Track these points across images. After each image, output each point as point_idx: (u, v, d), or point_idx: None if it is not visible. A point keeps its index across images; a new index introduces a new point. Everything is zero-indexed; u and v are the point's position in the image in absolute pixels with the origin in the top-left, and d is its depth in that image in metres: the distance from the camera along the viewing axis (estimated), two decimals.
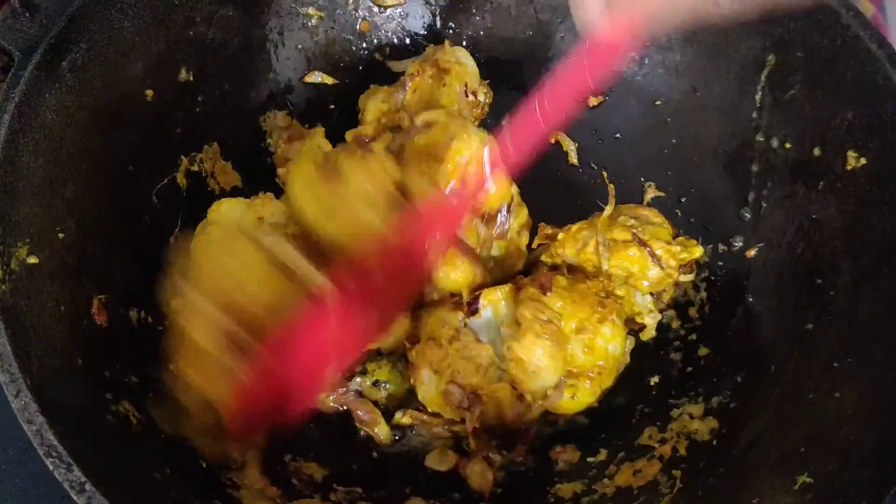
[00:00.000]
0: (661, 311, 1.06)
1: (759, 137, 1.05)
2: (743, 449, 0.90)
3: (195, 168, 1.08)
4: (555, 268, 1.08)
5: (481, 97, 1.16)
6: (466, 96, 1.14)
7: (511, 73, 1.24)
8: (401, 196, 0.91)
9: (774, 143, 1.03)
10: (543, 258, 1.10)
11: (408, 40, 1.26)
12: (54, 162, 0.85)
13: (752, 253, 1.05)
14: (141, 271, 0.94)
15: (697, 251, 1.03)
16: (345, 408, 1.02)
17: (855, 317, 0.88)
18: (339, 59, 1.24)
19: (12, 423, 0.69)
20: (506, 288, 1.00)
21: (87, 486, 0.68)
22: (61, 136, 0.86)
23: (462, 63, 1.16)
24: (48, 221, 0.83)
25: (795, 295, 0.97)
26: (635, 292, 1.04)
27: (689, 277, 1.06)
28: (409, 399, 1.04)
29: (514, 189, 1.07)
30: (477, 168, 0.93)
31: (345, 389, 1.04)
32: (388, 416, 1.03)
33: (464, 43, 1.24)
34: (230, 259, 0.87)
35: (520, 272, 1.10)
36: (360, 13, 1.23)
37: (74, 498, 0.68)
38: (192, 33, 1.04)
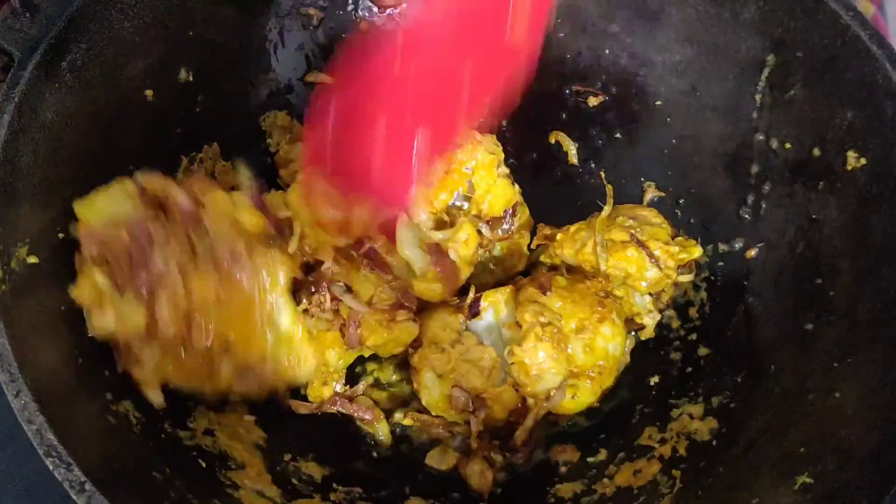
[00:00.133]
0: (660, 311, 1.06)
1: (759, 137, 1.05)
2: (743, 449, 0.90)
3: (195, 168, 1.08)
4: (554, 268, 1.08)
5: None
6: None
7: None
8: None
9: (774, 143, 1.03)
10: (542, 258, 1.10)
11: None
12: (54, 162, 0.85)
13: (752, 253, 1.05)
14: None
15: (696, 251, 1.03)
16: (345, 408, 1.02)
17: (855, 317, 0.88)
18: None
19: (12, 423, 0.70)
20: (506, 290, 1.00)
21: (87, 486, 0.68)
22: (61, 136, 0.86)
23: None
24: (48, 221, 0.83)
25: (795, 295, 0.97)
26: (634, 292, 1.04)
27: (688, 277, 1.06)
28: (409, 399, 1.04)
29: (517, 189, 1.07)
30: None
31: (345, 390, 1.04)
32: (388, 415, 1.04)
33: None
34: None
35: (520, 272, 1.10)
36: (360, 13, 1.23)
37: (74, 498, 0.68)
38: (192, 33, 1.04)
